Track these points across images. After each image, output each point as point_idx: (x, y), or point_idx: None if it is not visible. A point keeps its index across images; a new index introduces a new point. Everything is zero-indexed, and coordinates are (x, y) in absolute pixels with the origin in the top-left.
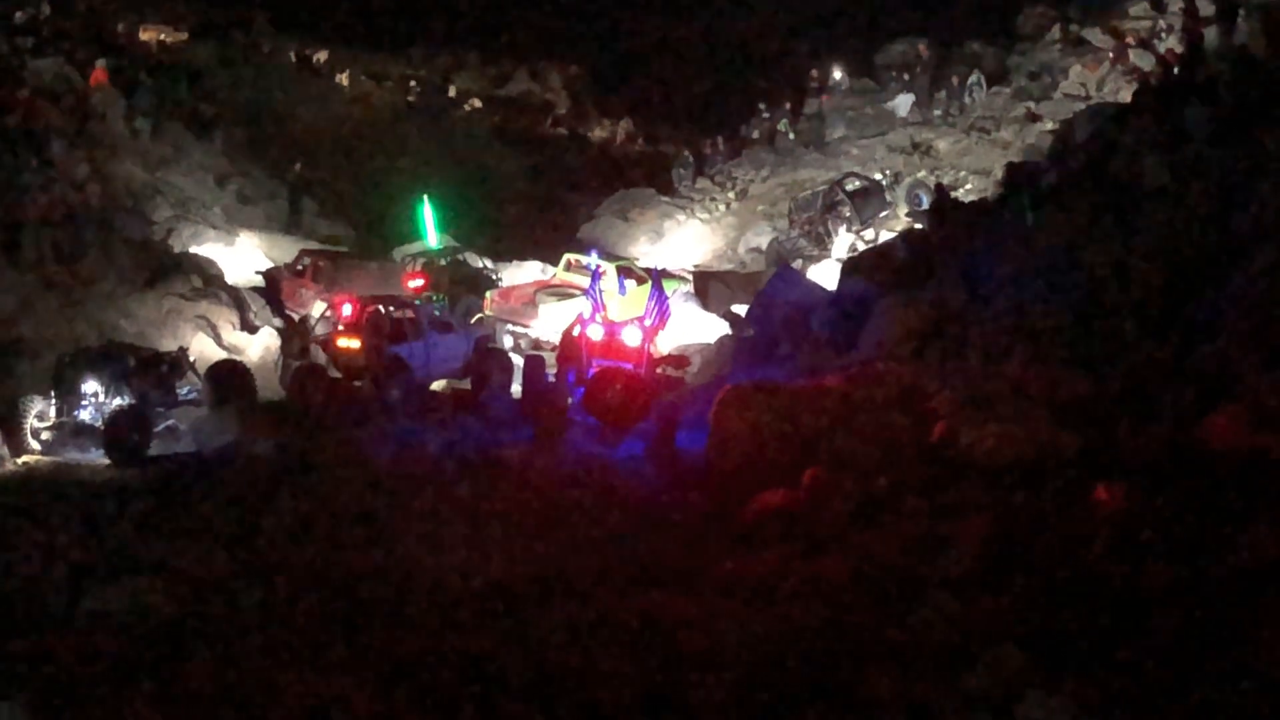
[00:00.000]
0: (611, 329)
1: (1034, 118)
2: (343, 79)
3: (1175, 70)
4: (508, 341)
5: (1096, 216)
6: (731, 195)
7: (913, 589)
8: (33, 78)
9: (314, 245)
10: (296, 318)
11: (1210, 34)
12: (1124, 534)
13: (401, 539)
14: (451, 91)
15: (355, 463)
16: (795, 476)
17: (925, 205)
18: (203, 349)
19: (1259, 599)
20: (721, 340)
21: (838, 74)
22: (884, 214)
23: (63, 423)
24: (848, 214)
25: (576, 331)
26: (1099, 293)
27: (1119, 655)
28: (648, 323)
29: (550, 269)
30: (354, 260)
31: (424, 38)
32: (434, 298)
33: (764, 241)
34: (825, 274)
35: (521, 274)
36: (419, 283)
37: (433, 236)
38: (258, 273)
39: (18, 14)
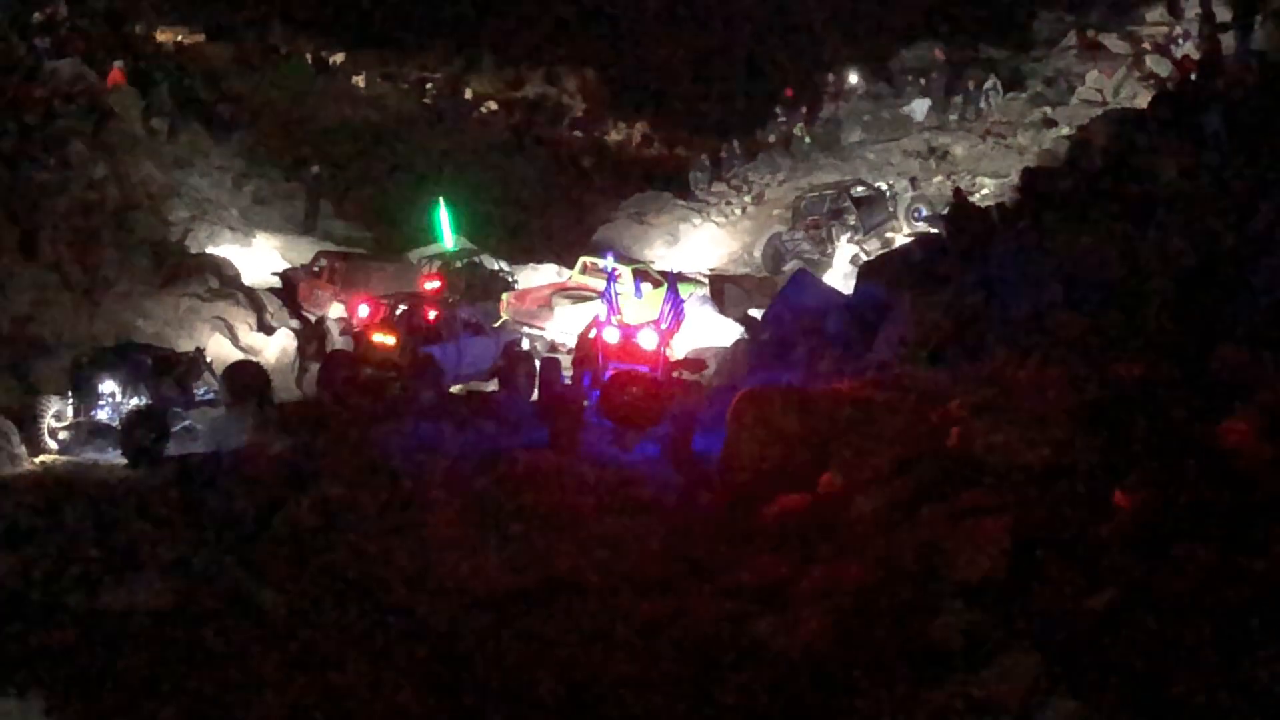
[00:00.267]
0: (627, 332)
1: (1050, 123)
2: (359, 81)
3: (1192, 76)
4: (523, 344)
5: (1114, 221)
6: (747, 199)
7: (930, 593)
8: (50, 78)
9: (331, 247)
10: (313, 319)
11: (1227, 40)
12: (1143, 538)
13: (418, 540)
14: (468, 94)
15: (372, 463)
16: (812, 480)
17: (923, 220)
18: (219, 350)
19: None
20: (737, 344)
21: (854, 78)
22: (886, 223)
23: (79, 423)
24: (853, 221)
25: (592, 334)
26: (1116, 297)
27: (1138, 662)
28: (663, 326)
29: (566, 272)
30: (371, 262)
31: (440, 40)
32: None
33: None
34: (824, 278)
35: (537, 277)
36: (435, 285)
37: (449, 238)
38: (274, 274)
39: (35, 15)
